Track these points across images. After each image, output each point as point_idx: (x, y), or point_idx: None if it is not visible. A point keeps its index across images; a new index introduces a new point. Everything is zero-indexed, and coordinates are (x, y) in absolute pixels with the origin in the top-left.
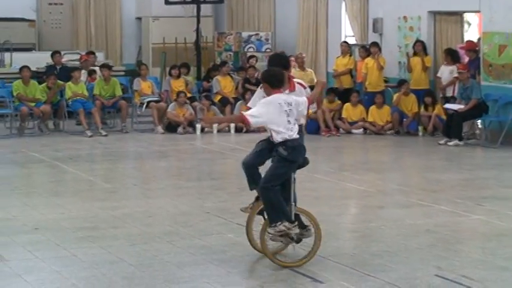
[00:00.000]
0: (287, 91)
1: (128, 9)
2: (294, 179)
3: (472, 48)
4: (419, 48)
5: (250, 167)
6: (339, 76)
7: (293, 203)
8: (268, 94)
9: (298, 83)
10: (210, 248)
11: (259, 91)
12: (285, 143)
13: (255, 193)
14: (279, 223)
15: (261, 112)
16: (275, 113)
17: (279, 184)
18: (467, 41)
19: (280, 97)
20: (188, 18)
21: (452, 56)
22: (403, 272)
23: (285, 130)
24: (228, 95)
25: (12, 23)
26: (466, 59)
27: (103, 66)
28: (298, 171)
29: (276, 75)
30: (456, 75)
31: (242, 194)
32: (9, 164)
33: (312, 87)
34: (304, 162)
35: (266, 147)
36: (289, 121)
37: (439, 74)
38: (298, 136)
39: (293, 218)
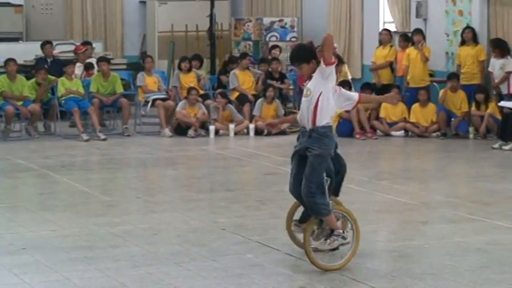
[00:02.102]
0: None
1: None
2: None
3: None
4: (469, 36)
5: (298, 196)
6: (377, 70)
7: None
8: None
9: None
10: (226, 271)
11: None
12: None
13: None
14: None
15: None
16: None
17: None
18: None
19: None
20: (200, 1)
21: (501, 48)
22: None
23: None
24: (247, 92)
25: None
26: None
27: (101, 59)
28: None
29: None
30: (509, 69)
31: (261, 208)
32: None
33: (345, 83)
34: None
35: (302, 164)
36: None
37: (490, 68)
38: None
39: None
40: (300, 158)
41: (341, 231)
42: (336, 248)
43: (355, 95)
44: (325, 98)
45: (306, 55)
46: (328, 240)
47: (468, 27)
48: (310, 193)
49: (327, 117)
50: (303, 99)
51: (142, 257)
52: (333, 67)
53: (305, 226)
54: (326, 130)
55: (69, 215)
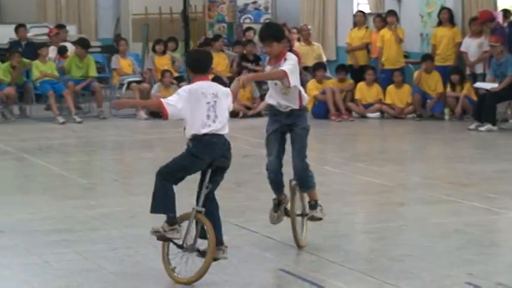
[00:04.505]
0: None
1: None
2: (209, 185)
3: (487, 18)
4: (446, 17)
5: (277, 173)
6: (353, 51)
7: (196, 207)
8: (191, 81)
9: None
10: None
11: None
12: (192, 139)
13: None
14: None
15: (182, 103)
16: (196, 105)
17: (177, 178)
18: (481, 12)
19: (202, 86)
20: None
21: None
22: (428, 280)
23: (198, 126)
24: (222, 74)
25: None
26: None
27: (78, 42)
28: None
29: (199, 59)
30: (486, 49)
31: (239, 191)
32: None
33: (320, 65)
34: (219, 163)
35: (281, 143)
36: (208, 116)
37: (463, 48)
38: (221, 133)
39: (194, 224)
40: (280, 137)
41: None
42: (320, 219)
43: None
44: (299, 86)
45: (277, 33)
46: (318, 208)
47: (445, 8)
48: (305, 167)
49: (305, 97)
50: (282, 96)
51: (120, 240)
52: (292, 76)
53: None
54: (306, 107)
55: (47, 198)
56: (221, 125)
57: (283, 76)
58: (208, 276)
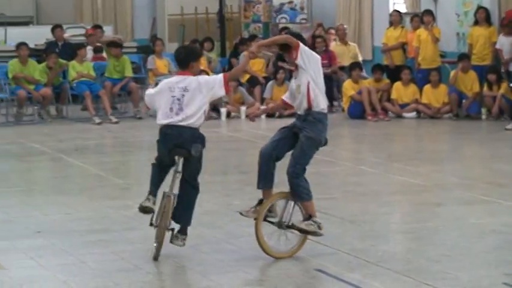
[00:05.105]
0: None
1: None
2: (179, 172)
3: None
4: (482, 16)
5: (267, 159)
6: (389, 51)
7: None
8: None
9: None
10: (240, 253)
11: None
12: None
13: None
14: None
15: (155, 95)
16: (162, 98)
17: (159, 162)
18: (508, 11)
19: (172, 80)
20: None
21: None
22: (466, 280)
23: (161, 117)
24: (258, 74)
25: None
26: None
27: (111, 44)
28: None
29: (179, 54)
30: None
31: (274, 191)
32: (5, 157)
33: (356, 65)
34: (176, 153)
35: (287, 135)
36: (171, 108)
37: (498, 46)
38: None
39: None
40: (288, 131)
41: (319, 220)
42: (312, 233)
43: (218, 77)
44: (314, 85)
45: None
46: (306, 222)
47: (481, 7)
48: (295, 173)
49: (322, 103)
50: (296, 95)
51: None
52: (300, 56)
53: (258, 209)
54: (321, 117)
55: (83, 198)
56: (182, 117)
57: (295, 44)
58: (243, 275)
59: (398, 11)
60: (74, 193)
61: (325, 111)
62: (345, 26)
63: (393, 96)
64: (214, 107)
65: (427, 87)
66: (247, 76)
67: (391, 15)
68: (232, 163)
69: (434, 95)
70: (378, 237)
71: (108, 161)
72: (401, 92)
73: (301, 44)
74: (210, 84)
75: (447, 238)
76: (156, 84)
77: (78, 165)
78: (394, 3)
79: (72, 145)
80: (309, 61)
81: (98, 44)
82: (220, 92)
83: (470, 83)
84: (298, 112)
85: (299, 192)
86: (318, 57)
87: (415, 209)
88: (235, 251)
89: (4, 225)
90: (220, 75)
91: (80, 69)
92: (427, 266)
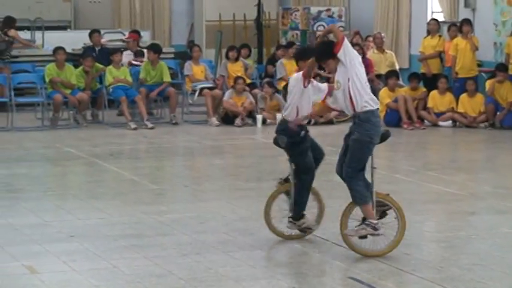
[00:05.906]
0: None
1: None
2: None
3: None
4: None
5: (342, 179)
6: (426, 60)
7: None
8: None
9: None
10: (273, 260)
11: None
12: None
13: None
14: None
15: None
16: None
17: None
18: None
19: None
20: None
21: None
22: None
23: None
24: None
25: None
26: None
27: (151, 47)
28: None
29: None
30: None
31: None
32: (40, 161)
33: (393, 73)
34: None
35: (347, 146)
36: None
37: None
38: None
39: None
40: (346, 138)
41: (374, 221)
42: (364, 237)
43: (324, 86)
44: (354, 82)
45: (329, 50)
46: (356, 228)
47: None
48: (347, 177)
49: (365, 101)
50: (335, 91)
51: (190, 246)
52: (342, 50)
53: (343, 211)
54: (368, 115)
55: (117, 203)
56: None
57: (340, 37)
58: (276, 282)
59: (436, 20)
60: (108, 198)
61: (372, 107)
62: (383, 34)
63: (429, 104)
64: (250, 114)
65: (463, 96)
66: (283, 83)
67: (428, 24)
68: (267, 169)
69: (471, 104)
70: (411, 246)
71: (143, 166)
72: (438, 100)
73: (345, 39)
74: None
75: (480, 247)
76: (193, 90)
77: (113, 170)
78: (432, 12)
79: (107, 150)
80: (350, 57)
81: (139, 48)
82: None
83: (505, 93)
84: (348, 113)
85: (351, 195)
86: (358, 55)
87: (448, 217)
88: (268, 258)
89: (38, 229)
90: None
91: (116, 74)
92: (460, 274)
